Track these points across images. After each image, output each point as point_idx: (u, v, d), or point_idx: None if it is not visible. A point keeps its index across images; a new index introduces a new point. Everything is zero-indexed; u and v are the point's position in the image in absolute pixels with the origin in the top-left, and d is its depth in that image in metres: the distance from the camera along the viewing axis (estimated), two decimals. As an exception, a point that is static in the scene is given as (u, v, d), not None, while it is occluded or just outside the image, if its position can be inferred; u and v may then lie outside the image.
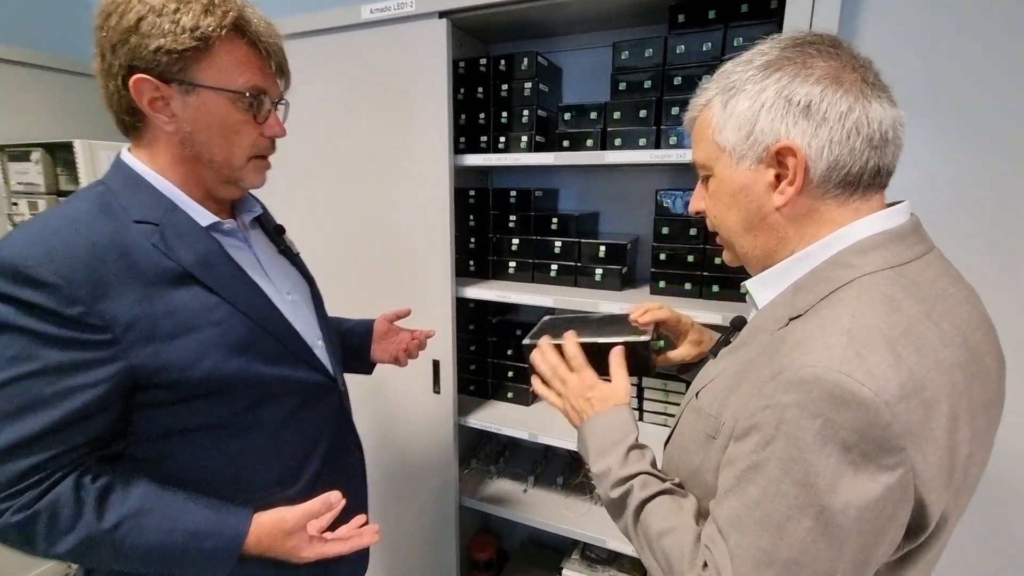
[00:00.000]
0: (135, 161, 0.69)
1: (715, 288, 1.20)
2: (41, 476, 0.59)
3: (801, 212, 0.55)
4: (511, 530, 1.74)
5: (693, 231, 1.19)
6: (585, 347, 0.78)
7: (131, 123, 0.68)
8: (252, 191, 0.81)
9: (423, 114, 1.23)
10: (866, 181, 0.53)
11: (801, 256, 0.56)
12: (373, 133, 1.31)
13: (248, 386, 0.70)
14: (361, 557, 0.91)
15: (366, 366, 1.06)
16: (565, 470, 1.52)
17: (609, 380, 0.75)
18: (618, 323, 0.87)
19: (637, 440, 0.68)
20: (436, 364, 1.35)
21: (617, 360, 0.76)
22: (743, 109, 0.54)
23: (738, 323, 0.68)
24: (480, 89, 1.31)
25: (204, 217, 0.71)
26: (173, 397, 0.65)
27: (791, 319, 0.53)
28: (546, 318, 0.96)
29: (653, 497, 0.61)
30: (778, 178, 0.54)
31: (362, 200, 1.35)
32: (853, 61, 0.52)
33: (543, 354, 0.79)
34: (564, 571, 1.40)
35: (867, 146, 0.51)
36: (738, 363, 0.57)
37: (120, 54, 0.63)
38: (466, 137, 1.34)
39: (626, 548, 1.25)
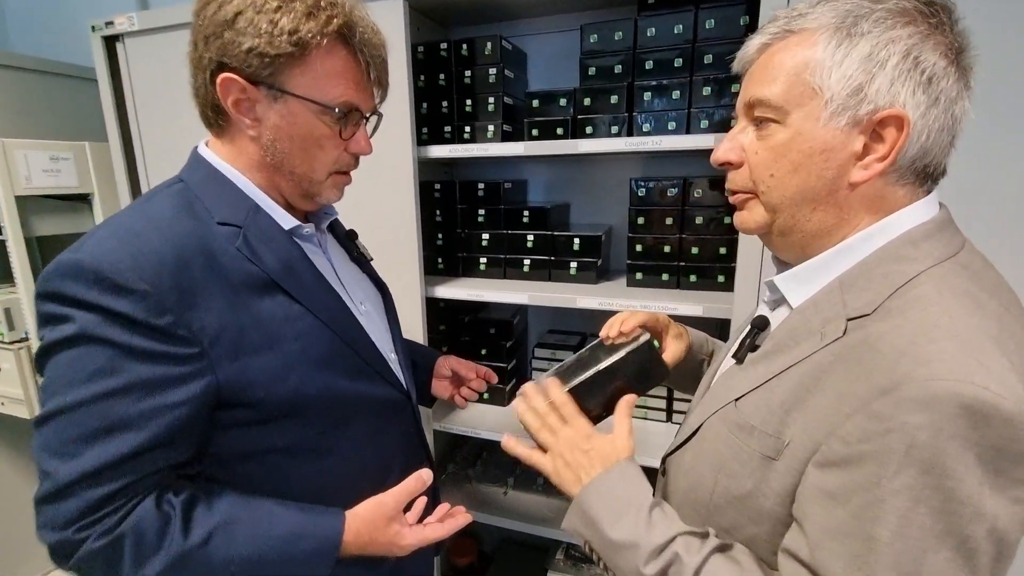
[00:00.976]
0: (215, 157, 0.65)
1: (693, 278, 1.17)
2: (124, 500, 0.55)
3: (870, 195, 0.49)
4: (492, 532, 1.70)
5: (669, 220, 1.16)
6: (584, 386, 0.67)
7: (215, 119, 0.64)
8: None
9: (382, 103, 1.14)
10: (934, 177, 0.49)
11: (842, 248, 0.51)
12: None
13: (330, 405, 0.66)
14: (427, 560, 0.88)
15: (425, 399, 1.00)
16: (545, 469, 1.49)
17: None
18: (602, 348, 0.73)
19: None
20: (407, 369, 1.28)
21: (624, 409, 0.65)
22: (862, 55, 0.45)
23: (761, 323, 0.58)
24: (442, 76, 1.23)
25: (286, 220, 0.66)
26: (256, 417, 0.61)
27: (850, 319, 0.48)
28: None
29: (705, 561, 0.50)
30: (865, 149, 0.47)
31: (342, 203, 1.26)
32: (962, 40, 0.46)
33: (528, 400, 0.67)
34: (549, 573, 1.36)
35: (950, 141, 0.47)
36: (794, 372, 0.50)
37: (212, 47, 0.58)
38: (429, 127, 1.27)
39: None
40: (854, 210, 0.50)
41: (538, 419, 0.65)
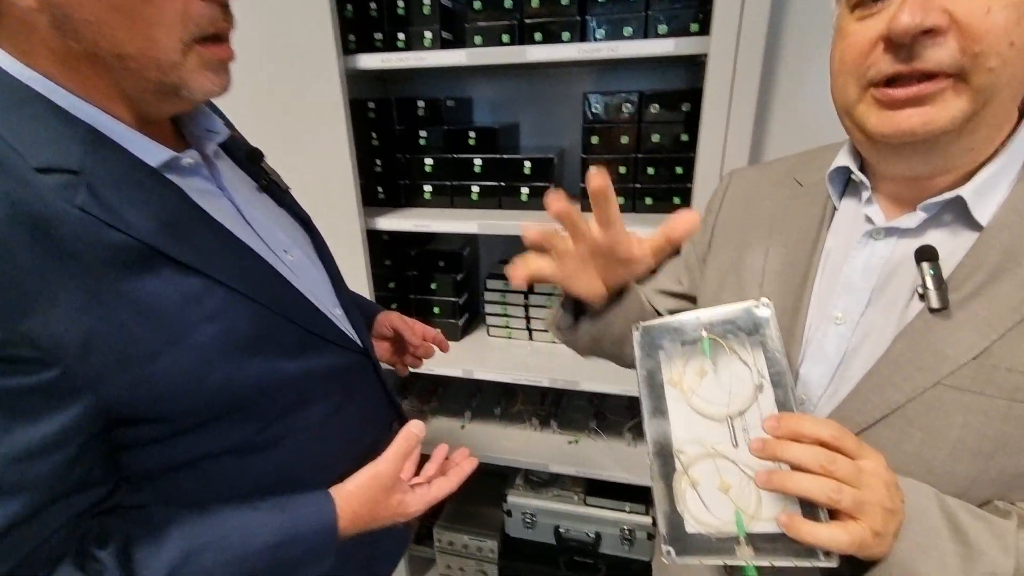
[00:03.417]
0: (5, 60, 0.41)
1: (648, 201, 1.12)
2: None
3: None
4: (451, 463, 1.72)
5: (625, 139, 1.09)
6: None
7: None
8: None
9: (298, 3, 0.97)
10: None
11: (1017, 145, 0.44)
12: (240, 37, 1.03)
13: (273, 393, 0.52)
14: (403, 533, 0.79)
15: None
16: (502, 400, 1.48)
17: None
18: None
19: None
20: (351, 308, 1.19)
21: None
22: None
23: (929, 253, 0.46)
24: (367, -30, 1.06)
25: (151, 150, 0.46)
26: (172, 430, 0.47)
27: None
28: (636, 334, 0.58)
29: None
30: None
31: (239, 123, 1.10)
32: None
33: (787, 453, 0.43)
34: (509, 497, 1.39)
35: None
36: None
37: None
38: (356, 34, 1.10)
39: (566, 470, 1.25)
40: (1017, 102, 0.43)
41: (824, 480, 0.41)
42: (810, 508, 0.43)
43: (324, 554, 0.53)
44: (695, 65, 1.04)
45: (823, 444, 0.43)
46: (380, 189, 1.24)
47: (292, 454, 0.56)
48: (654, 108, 1.06)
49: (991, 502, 0.47)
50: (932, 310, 0.45)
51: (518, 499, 1.39)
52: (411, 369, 0.87)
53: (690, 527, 0.48)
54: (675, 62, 1.13)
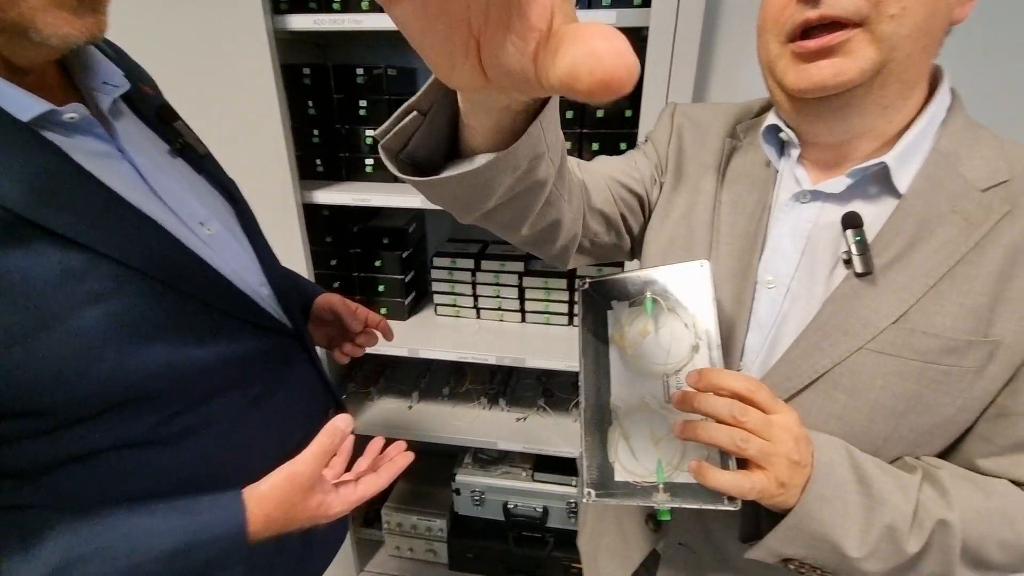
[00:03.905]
0: None
1: (595, 146, 1.11)
2: None
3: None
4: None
5: (570, 113, 1.08)
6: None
7: None
8: (95, 45, 0.47)
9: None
10: None
11: (932, 114, 0.46)
12: (149, -18, 0.95)
13: (179, 381, 0.47)
14: (340, 524, 0.72)
15: None
16: (450, 380, 1.47)
17: None
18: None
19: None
20: (288, 286, 1.14)
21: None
22: None
23: (854, 220, 0.47)
24: (298, -77, 0.99)
25: (20, 103, 0.40)
26: (55, 423, 0.42)
27: (984, 191, 0.44)
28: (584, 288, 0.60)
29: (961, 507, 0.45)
30: None
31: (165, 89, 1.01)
32: None
33: (703, 405, 0.45)
34: (457, 476, 1.39)
35: None
36: (972, 263, 0.44)
37: None
38: (288, -7, 1.04)
39: (514, 447, 1.25)
40: (927, 64, 0.45)
41: (732, 429, 0.44)
42: (726, 459, 0.45)
43: (231, 562, 0.48)
44: (641, 40, 1.04)
45: (739, 397, 0.45)
46: (319, 161, 1.19)
47: (204, 448, 0.51)
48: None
49: (901, 458, 0.49)
50: (857, 275, 0.47)
51: (467, 477, 1.39)
52: (351, 356, 0.82)
53: (618, 475, 0.50)
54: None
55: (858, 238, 0.46)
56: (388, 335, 0.82)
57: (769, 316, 0.52)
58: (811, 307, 0.50)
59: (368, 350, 1.26)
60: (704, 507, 0.45)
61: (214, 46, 0.97)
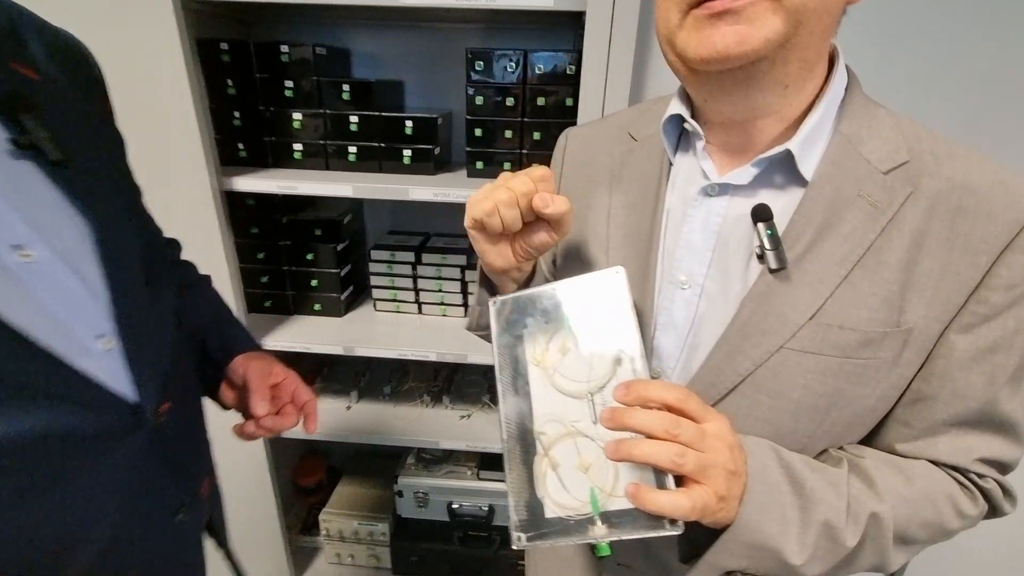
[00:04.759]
0: None
1: (536, 136, 1.06)
2: None
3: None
4: (339, 448, 1.62)
5: (510, 101, 1.04)
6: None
7: None
8: None
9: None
10: None
11: (831, 96, 0.45)
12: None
13: None
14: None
15: (215, 397, 0.70)
16: (391, 378, 1.41)
17: None
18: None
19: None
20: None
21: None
22: None
23: (764, 213, 0.46)
24: None
25: None
26: None
27: (887, 172, 0.44)
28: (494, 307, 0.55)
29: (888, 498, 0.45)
30: None
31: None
32: None
33: (633, 420, 0.41)
34: (400, 478, 1.34)
35: None
36: (879, 252, 0.43)
37: None
38: (201, -40, 0.95)
39: (458, 445, 1.22)
40: (826, 44, 0.44)
41: (668, 445, 0.40)
42: (662, 478, 0.42)
43: None
44: (582, 27, 1.02)
45: (669, 408, 0.42)
46: (241, 146, 1.10)
47: None
48: (540, 68, 1.02)
49: (826, 451, 0.49)
50: (771, 270, 0.45)
51: (410, 479, 1.34)
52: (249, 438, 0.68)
53: (549, 511, 0.45)
54: (562, 24, 1.09)
55: (769, 232, 0.45)
56: (310, 426, 0.71)
57: (685, 318, 0.50)
58: (728, 307, 0.48)
59: (302, 349, 1.20)
60: (646, 535, 0.41)
61: (114, 18, 0.87)
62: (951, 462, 0.46)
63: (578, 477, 0.45)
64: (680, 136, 0.53)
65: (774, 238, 0.44)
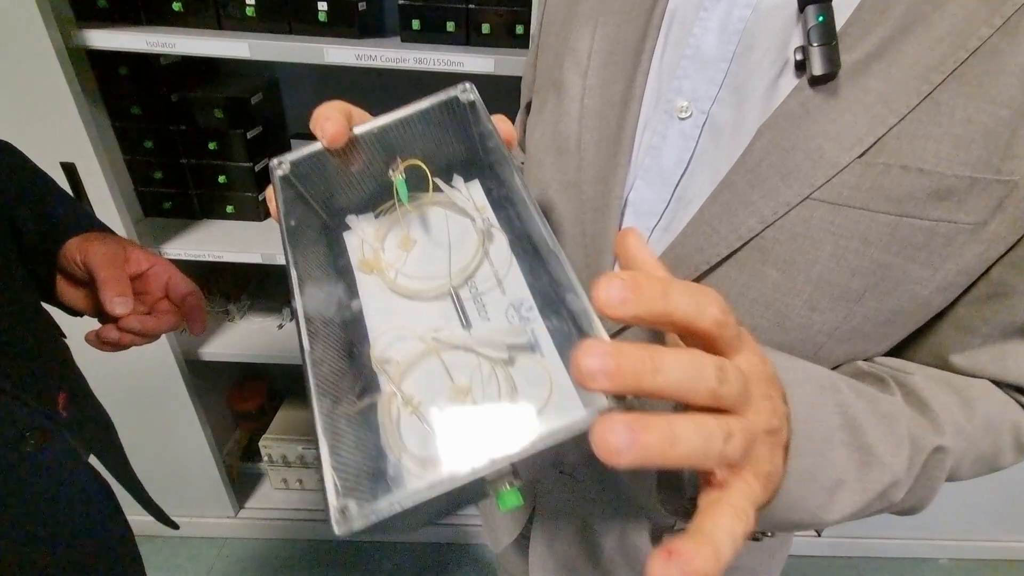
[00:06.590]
0: None
1: (485, 29, 0.88)
2: None
3: None
4: (279, 370, 1.47)
5: (450, -67, 0.81)
6: None
7: None
8: None
9: None
10: None
11: None
12: None
13: None
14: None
15: (51, 299, 0.52)
16: (331, 292, 1.25)
17: None
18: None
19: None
20: (71, 171, 0.83)
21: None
22: None
23: None
24: None
25: None
26: None
27: None
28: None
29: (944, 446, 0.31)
30: None
31: None
32: None
33: (668, 296, 0.19)
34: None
35: None
36: (992, 58, 0.27)
37: None
38: None
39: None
40: None
41: (712, 427, 0.19)
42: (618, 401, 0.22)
43: None
44: None
45: (698, 333, 0.21)
46: (100, -6, 0.84)
47: None
48: None
49: (854, 363, 0.36)
50: (814, 79, 0.29)
51: (356, 400, 1.23)
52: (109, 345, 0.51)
53: (411, 478, 0.26)
54: None
55: (821, 16, 0.28)
56: (196, 327, 0.53)
57: (677, 161, 0.35)
58: (738, 144, 0.33)
59: (213, 259, 1.01)
60: (562, 440, 0.21)
61: None
62: (1020, 382, 0.34)
63: (455, 411, 0.28)
64: None
65: (827, 28, 0.28)
